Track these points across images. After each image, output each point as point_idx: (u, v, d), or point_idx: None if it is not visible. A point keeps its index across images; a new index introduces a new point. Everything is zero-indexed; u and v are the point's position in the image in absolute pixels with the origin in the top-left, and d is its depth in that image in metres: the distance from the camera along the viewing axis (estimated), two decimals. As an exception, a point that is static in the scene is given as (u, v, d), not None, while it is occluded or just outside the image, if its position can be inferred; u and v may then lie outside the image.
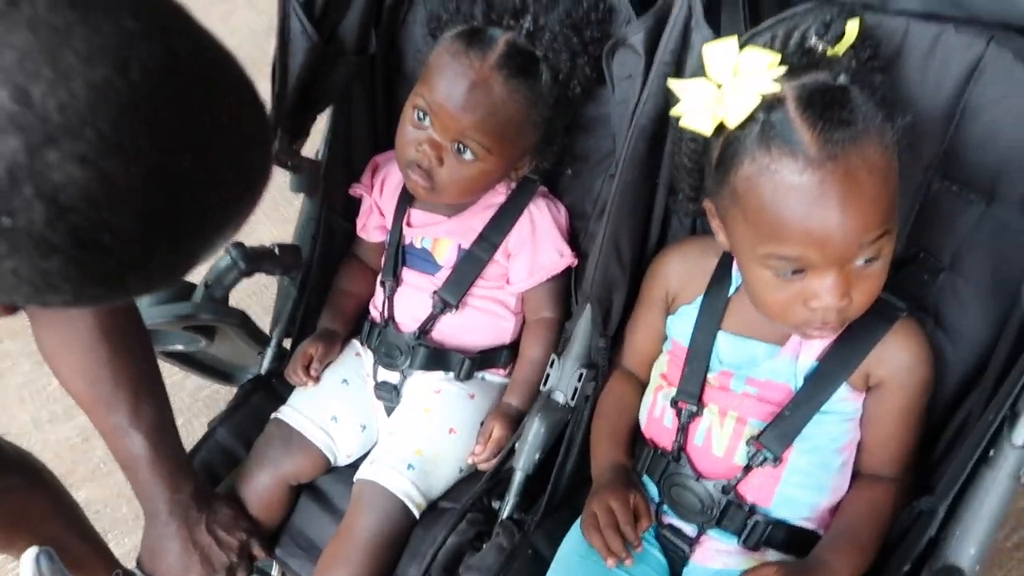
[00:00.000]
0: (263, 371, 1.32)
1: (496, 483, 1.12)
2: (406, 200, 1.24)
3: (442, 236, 1.23)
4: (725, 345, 1.00)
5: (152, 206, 0.50)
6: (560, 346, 1.15)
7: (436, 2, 1.16)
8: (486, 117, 1.07)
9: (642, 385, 1.10)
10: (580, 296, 1.15)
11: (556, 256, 1.21)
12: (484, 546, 1.06)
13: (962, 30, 0.89)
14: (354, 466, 1.17)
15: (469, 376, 1.23)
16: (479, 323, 1.23)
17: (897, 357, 0.94)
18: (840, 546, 0.92)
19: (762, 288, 0.88)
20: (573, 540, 1.02)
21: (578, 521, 1.01)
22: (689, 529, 1.01)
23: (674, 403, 1.01)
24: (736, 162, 0.83)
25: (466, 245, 1.21)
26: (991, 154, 0.91)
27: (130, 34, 0.48)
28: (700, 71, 0.86)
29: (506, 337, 1.25)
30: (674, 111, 0.89)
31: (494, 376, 1.26)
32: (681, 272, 1.05)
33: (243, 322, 1.29)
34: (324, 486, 1.20)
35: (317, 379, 1.23)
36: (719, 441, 0.98)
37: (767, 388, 0.97)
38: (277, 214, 1.99)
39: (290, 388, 1.26)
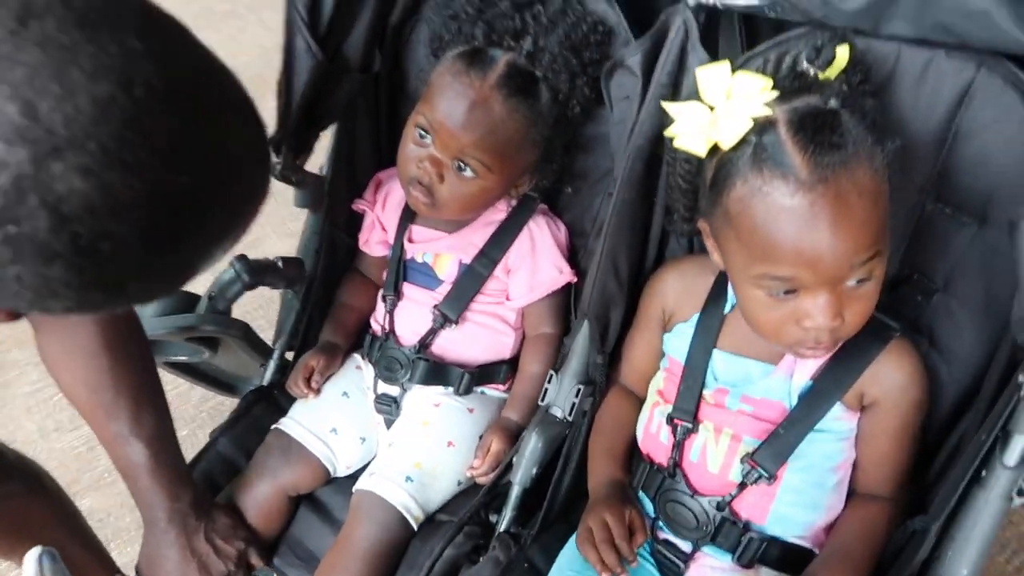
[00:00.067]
0: (265, 383, 1.33)
1: (493, 497, 1.12)
2: (408, 216, 1.26)
3: (443, 251, 1.24)
4: (721, 363, 1.00)
5: (151, 217, 0.52)
6: (558, 362, 1.15)
7: (439, 22, 1.17)
8: (486, 135, 1.08)
9: (639, 401, 1.10)
10: (578, 313, 1.15)
11: (555, 273, 1.22)
12: (481, 559, 1.06)
13: (953, 55, 0.90)
14: (353, 477, 1.18)
15: (468, 390, 1.23)
16: (479, 338, 1.24)
17: (891, 377, 0.95)
18: (833, 565, 0.92)
19: (755, 307, 0.89)
20: (569, 554, 1.02)
21: (574, 535, 1.01)
22: (684, 545, 1.01)
23: (670, 420, 1.01)
24: (729, 183, 0.84)
25: (467, 260, 1.22)
26: (982, 178, 0.92)
27: (135, 53, 0.50)
28: (696, 93, 0.88)
29: (506, 352, 1.26)
30: (668, 132, 0.90)
31: (493, 391, 1.27)
32: (678, 290, 1.06)
33: (245, 334, 1.29)
34: (323, 497, 1.21)
35: (318, 391, 1.24)
36: (714, 458, 0.98)
37: (762, 406, 0.97)
38: (284, 228, 1.99)
39: (292, 400, 1.26)
